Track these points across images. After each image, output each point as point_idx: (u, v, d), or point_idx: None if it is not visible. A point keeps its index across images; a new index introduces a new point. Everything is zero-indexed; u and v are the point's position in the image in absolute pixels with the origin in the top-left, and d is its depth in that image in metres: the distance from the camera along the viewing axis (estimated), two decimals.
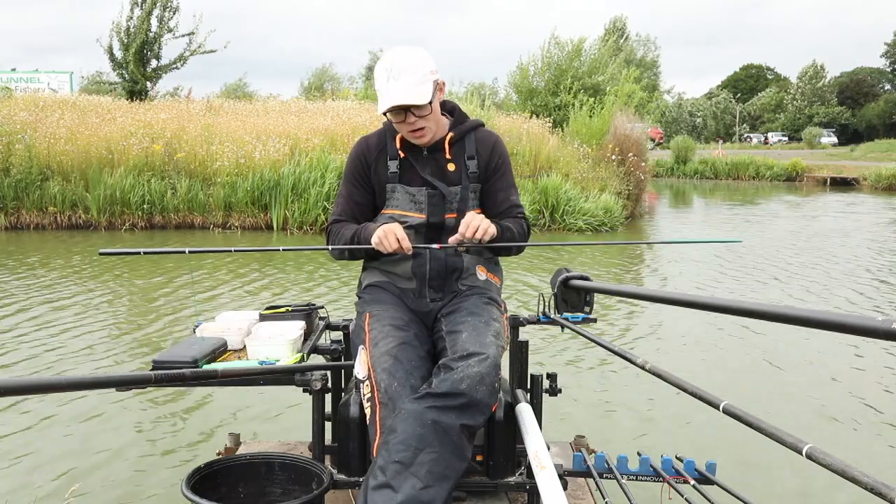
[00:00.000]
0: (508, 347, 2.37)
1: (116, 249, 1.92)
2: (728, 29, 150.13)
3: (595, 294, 2.31)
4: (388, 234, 2.03)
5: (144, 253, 1.87)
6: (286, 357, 2.10)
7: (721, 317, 6.07)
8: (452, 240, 2.08)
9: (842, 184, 29.42)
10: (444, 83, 2.17)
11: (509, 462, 2.16)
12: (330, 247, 2.19)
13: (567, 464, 2.27)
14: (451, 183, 2.20)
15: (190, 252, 1.90)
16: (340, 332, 2.60)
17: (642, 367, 1.38)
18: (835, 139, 52.49)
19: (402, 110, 2.08)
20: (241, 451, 2.61)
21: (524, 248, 2.32)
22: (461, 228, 2.05)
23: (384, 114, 2.11)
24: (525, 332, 2.52)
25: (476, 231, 2.03)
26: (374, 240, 2.05)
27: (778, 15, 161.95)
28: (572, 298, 2.26)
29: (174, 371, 1.42)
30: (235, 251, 2.09)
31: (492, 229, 2.06)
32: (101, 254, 1.94)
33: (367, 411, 1.88)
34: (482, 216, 2.10)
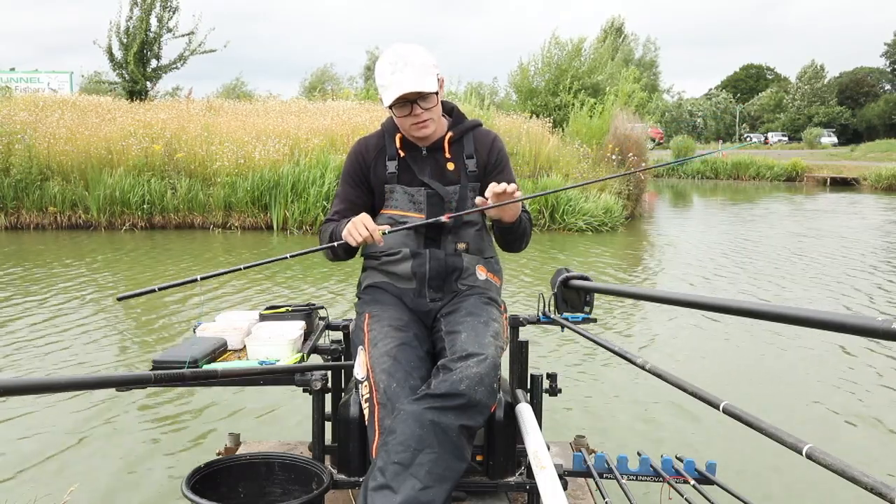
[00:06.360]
0: (508, 347, 2.36)
1: (133, 292, 1.89)
2: (728, 29, 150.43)
3: (595, 294, 2.31)
4: (356, 224, 1.98)
5: (160, 289, 1.86)
6: (286, 357, 2.10)
7: (721, 317, 6.07)
8: (479, 200, 2.02)
9: (842, 184, 29.38)
10: (443, 79, 2.17)
11: (509, 462, 2.16)
12: (317, 248, 2.12)
13: (567, 464, 2.27)
14: (450, 182, 2.19)
15: (202, 279, 1.89)
16: (340, 333, 2.60)
17: (642, 367, 1.38)
18: (835, 139, 52.48)
19: (409, 102, 2.08)
20: (241, 451, 2.61)
21: (528, 242, 2.29)
22: (496, 189, 1.94)
23: (389, 107, 2.11)
24: (525, 332, 2.52)
25: (505, 190, 1.93)
26: (344, 232, 2.01)
27: (778, 16, 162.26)
28: (572, 298, 2.26)
29: (174, 371, 1.43)
30: (245, 268, 2.06)
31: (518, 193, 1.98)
32: (119, 299, 1.91)
33: (366, 412, 1.88)
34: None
